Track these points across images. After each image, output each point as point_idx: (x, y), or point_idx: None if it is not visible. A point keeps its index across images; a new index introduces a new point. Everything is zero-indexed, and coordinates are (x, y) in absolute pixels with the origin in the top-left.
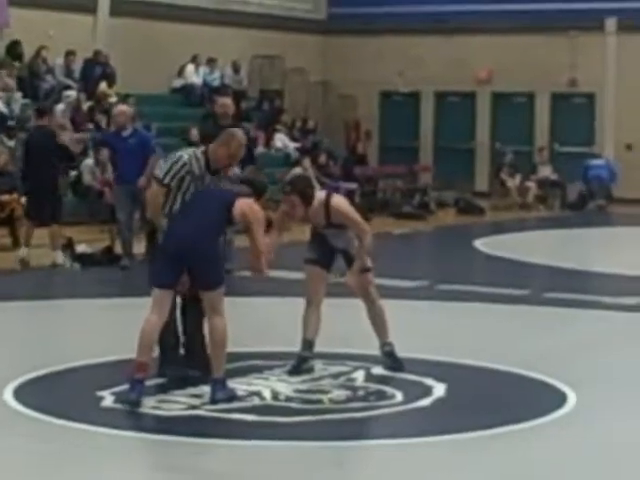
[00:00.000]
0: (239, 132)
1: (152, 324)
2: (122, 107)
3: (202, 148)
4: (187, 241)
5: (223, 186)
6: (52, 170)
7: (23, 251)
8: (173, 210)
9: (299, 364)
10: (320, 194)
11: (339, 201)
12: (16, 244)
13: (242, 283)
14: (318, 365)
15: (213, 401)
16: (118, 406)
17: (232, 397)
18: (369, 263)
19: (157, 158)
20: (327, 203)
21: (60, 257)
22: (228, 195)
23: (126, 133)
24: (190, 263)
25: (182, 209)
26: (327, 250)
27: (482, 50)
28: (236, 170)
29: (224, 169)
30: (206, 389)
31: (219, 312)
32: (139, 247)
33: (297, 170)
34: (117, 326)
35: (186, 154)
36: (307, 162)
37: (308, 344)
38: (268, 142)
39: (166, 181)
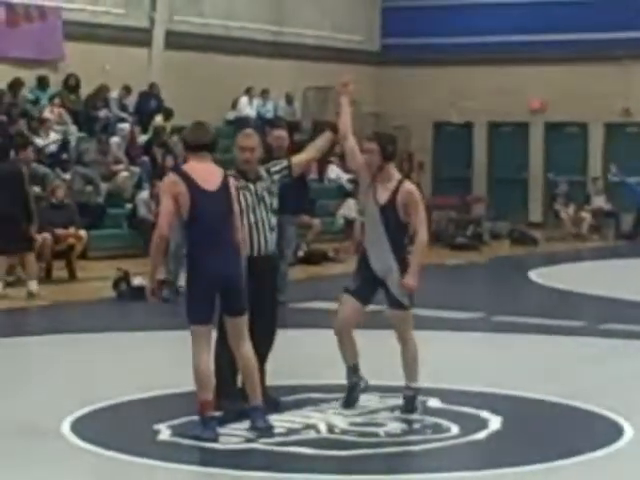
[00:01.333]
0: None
1: (204, 361)
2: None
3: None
4: (221, 271)
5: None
6: (16, 201)
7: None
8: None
9: (350, 393)
10: (396, 173)
11: (412, 186)
12: (73, 277)
13: (295, 315)
14: (374, 398)
15: (255, 429)
16: (175, 439)
17: (272, 426)
18: (406, 301)
19: None
20: (400, 182)
21: (34, 285)
22: (228, 195)
23: None
24: (223, 291)
25: (204, 239)
26: (369, 280)
27: (535, 80)
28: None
29: (252, 167)
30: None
31: (246, 338)
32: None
33: (350, 202)
34: (172, 359)
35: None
36: None
37: (352, 369)
38: (321, 173)
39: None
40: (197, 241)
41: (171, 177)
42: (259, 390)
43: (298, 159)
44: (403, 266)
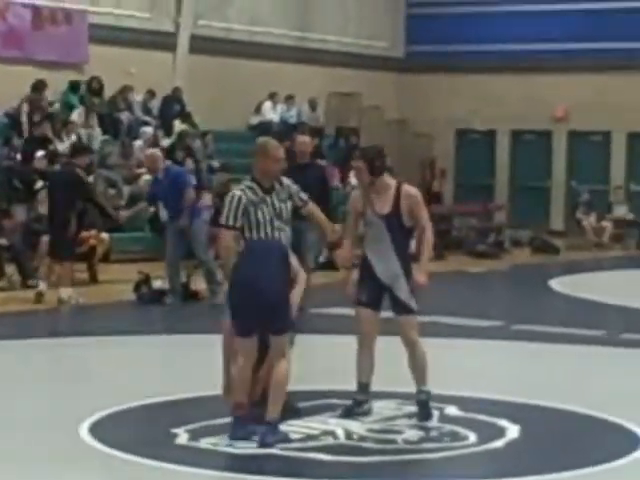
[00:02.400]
0: (265, 138)
1: (241, 368)
2: (150, 151)
3: (248, 178)
4: (256, 286)
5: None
6: (66, 208)
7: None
8: (250, 247)
9: (353, 407)
10: (392, 180)
11: (412, 188)
12: (94, 279)
13: (315, 320)
14: (391, 405)
15: (262, 444)
16: (192, 444)
17: (284, 441)
18: (414, 305)
19: (191, 191)
20: (399, 187)
21: (65, 293)
22: (285, 248)
23: (160, 175)
24: (260, 308)
25: (245, 259)
26: (376, 288)
27: (559, 88)
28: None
29: (276, 178)
30: (283, 428)
31: (285, 356)
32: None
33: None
34: (192, 363)
35: (237, 189)
36: None
37: (363, 387)
38: (343, 180)
39: (231, 223)
40: (242, 254)
41: None
42: (279, 407)
43: (314, 212)
44: (408, 271)
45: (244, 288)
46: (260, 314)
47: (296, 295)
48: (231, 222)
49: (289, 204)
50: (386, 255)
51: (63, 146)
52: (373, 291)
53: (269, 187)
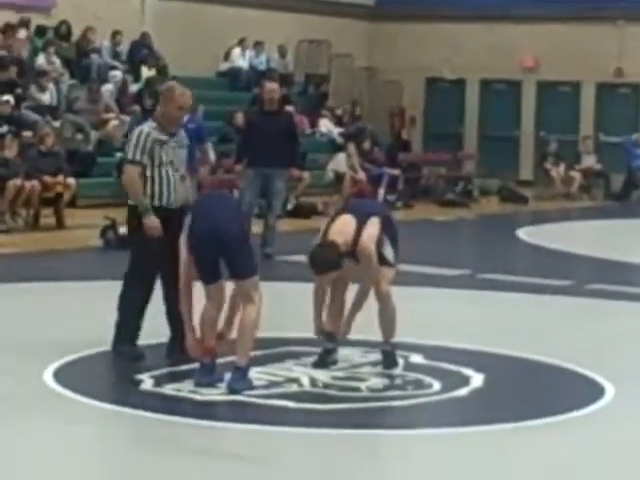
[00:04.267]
0: (173, 82)
1: (207, 312)
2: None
3: (150, 120)
4: (214, 231)
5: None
6: None
7: None
8: (154, 188)
9: (324, 356)
10: (352, 222)
11: (367, 245)
12: (60, 225)
13: (282, 268)
14: (357, 352)
15: (231, 391)
16: (157, 389)
17: (250, 388)
18: (391, 258)
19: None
20: (358, 235)
21: None
22: (237, 201)
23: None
24: (220, 252)
25: (200, 207)
26: None
27: (529, 38)
28: None
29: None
30: (252, 375)
31: (252, 300)
32: None
33: (340, 156)
34: (158, 309)
35: (145, 126)
36: (352, 148)
37: (331, 336)
38: (313, 127)
39: (138, 158)
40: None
41: None
42: (248, 353)
43: None
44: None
45: (200, 236)
46: (217, 258)
47: None
48: (138, 157)
49: (186, 142)
50: None
51: (46, 97)
52: None
53: (173, 133)
